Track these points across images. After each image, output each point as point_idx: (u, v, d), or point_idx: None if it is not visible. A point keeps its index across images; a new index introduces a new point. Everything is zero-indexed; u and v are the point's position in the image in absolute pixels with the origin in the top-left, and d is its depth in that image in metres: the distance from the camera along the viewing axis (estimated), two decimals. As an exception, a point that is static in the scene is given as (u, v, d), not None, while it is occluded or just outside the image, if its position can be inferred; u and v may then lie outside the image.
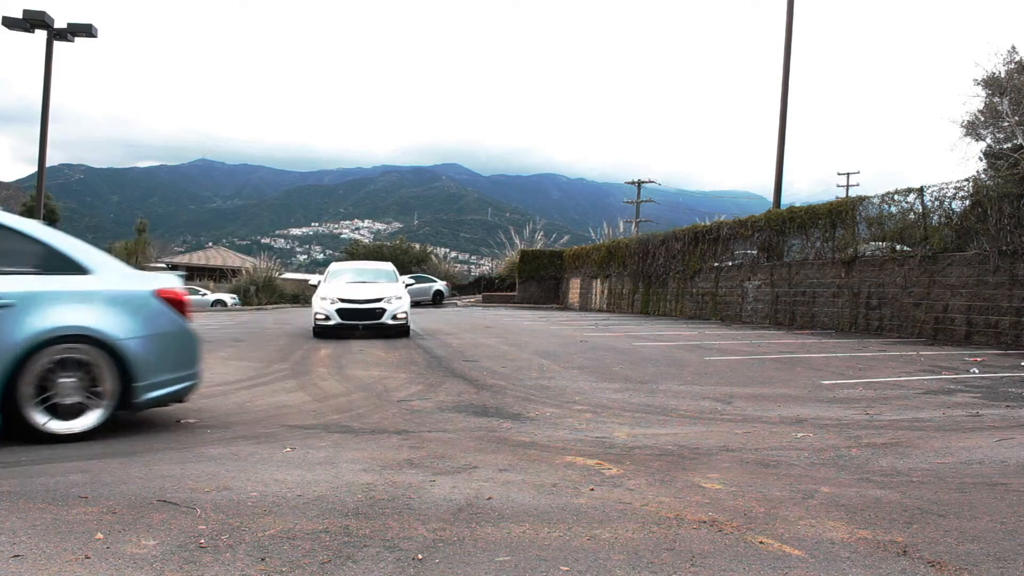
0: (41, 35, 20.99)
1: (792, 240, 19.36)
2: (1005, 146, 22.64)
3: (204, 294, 39.84)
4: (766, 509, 3.41)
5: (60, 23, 21.06)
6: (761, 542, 2.96)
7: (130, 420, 6.21)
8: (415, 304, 23.18)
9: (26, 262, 5.23)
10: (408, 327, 15.54)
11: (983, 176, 18.13)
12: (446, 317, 23.65)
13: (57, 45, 21.17)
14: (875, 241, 16.57)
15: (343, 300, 15.22)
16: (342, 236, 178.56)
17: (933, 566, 2.69)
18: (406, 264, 44.23)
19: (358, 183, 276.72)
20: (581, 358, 11.08)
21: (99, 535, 3.08)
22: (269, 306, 41.88)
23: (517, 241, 53.68)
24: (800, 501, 3.55)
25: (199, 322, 5.93)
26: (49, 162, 23.22)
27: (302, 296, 44.20)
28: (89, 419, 5.20)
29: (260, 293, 43.25)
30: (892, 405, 6.98)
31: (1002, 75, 23.20)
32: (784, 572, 2.65)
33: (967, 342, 13.27)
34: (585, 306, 33.65)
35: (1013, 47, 23.61)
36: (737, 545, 2.94)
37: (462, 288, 52.51)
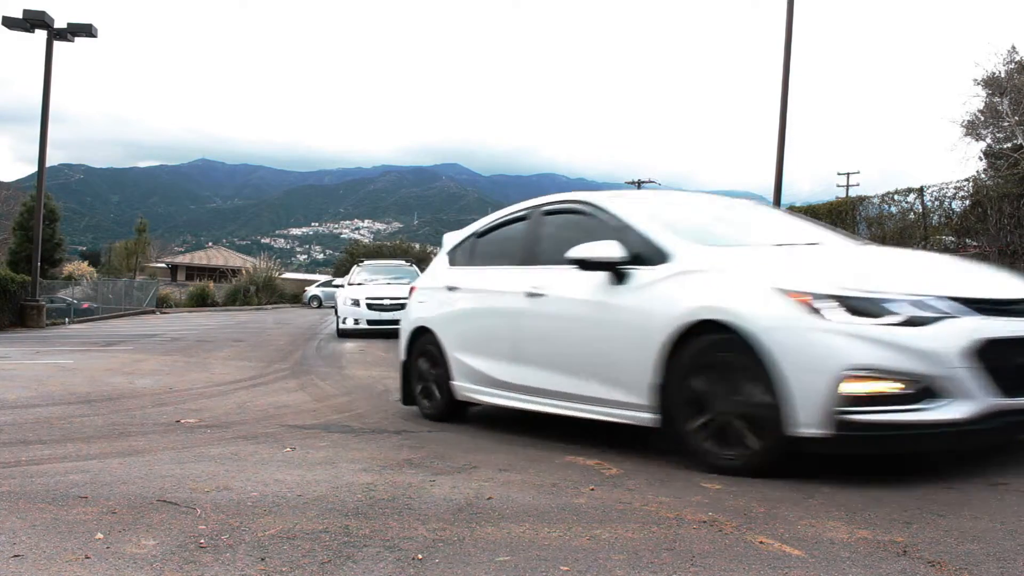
0: (41, 35, 20.97)
1: (792, 240, 19.33)
2: (1005, 146, 22.63)
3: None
4: (766, 509, 3.41)
5: (60, 23, 21.04)
6: (761, 542, 2.96)
7: (130, 420, 6.21)
8: None
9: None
10: None
11: (983, 176, 18.12)
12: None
13: (57, 45, 21.15)
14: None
15: None
16: (342, 236, 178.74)
17: (933, 566, 2.68)
18: None
19: (358, 183, 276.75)
20: (581, 358, 11.06)
21: (99, 535, 3.08)
22: (269, 306, 41.99)
23: (517, 241, 53.63)
24: (800, 501, 3.55)
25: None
26: (49, 162, 23.21)
27: (302, 296, 43.94)
28: None
29: (260, 293, 43.34)
30: (892, 405, 6.96)
31: (1002, 75, 23.19)
32: (784, 572, 2.65)
33: (967, 342, 13.24)
34: (585, 306, 33.60)
35: (1013, 47, 23.59)
36: (737, 545, 2.94)
37: None
